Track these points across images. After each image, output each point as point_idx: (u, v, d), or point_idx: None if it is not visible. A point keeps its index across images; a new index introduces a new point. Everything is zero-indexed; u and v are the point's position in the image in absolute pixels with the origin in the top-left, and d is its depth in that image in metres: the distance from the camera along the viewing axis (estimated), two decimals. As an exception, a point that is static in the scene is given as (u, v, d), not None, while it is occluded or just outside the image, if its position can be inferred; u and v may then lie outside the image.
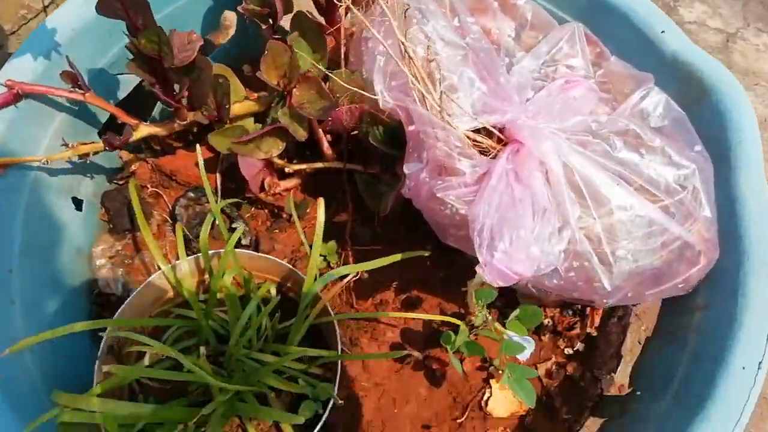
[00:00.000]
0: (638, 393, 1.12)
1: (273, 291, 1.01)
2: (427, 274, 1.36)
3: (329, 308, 0.98)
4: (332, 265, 1.33)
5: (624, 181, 0.92)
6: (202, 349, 0.85)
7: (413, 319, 1.32)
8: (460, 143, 0.92)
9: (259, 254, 1.00)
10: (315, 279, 0.92)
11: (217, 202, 1.34)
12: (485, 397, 1.23)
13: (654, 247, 0.91)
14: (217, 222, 1.02)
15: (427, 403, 1.24)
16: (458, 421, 1.22)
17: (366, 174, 1.31)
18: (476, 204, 0.90)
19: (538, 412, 1.23)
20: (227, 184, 1.41)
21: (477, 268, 0.85)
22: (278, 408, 0.95)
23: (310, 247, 1.07)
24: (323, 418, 0.89)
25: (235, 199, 1.36)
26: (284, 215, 1.39)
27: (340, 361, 0.93)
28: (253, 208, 1.40)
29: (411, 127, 0.97)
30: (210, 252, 1.01)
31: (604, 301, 1.00)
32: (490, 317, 1.10)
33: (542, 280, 0.99)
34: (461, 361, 1.28)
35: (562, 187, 0.90)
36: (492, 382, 1.24)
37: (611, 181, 0.90)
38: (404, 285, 1.35)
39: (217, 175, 1.37)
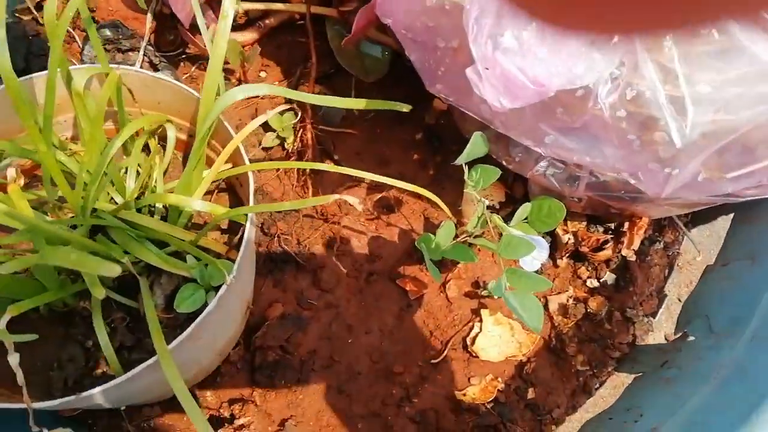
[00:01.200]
0: (692, 338, 0.78)
1: (172, 133, 0.68)
2: (411, 170, 1.02)
3: (242, 151, 0.65)
4: (286, 146, 1.00)
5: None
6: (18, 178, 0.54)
7: (386, 225, 0.99)
8: None
9: (159, 77, 0.67)
10: (216, 94, 0.59)
11: (142, 50, 1.01)
12: (473, 333, 0.91)
13: (762, 95, 0.55)
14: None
15: (393, 336, 0.92)
16: (433, 362, 0.90)
17: (340, 23, 0.97)
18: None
19: (542, 358, 0.90)
20: (165, 35, 1.08)
21: (469, 73, 0.51)
22: (155, 297, 0.63)
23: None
24: (206, 311, 0.57)
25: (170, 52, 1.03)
26: (233, 79, 1.06)
27: (248, 224, 0.61)
28: (194, 68, 1.07)
29: None
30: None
31: (660, 188, 0.65)
32: (488, 212, 0.76)
33: (571, 142, 0.64)
34: (445, 284, 0.95)
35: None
36: (484, 313, 0.91)
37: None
38: (380, 182, 1.01)
39: (148, 15, 1.04)
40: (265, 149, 1.00)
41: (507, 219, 0.82)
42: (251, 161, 1.00)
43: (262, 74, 1.07)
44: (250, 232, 0.61)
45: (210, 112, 0.58)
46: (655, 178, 0.65)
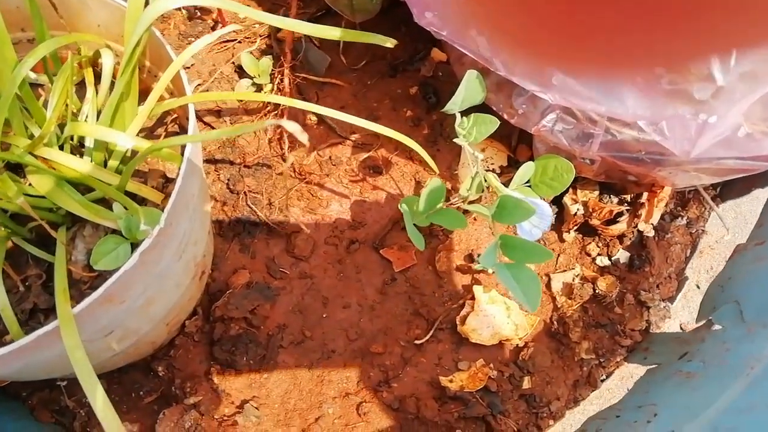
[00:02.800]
0: (718, 327, 0.66)
1: (109, 60, 0.57)
2: (403, 128, 0.91)
3: (184, 80, 0.54)
4: (265, 93, 0.89)
5: None
6: None
7: (372, 188, 0.88)
8: None
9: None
10: (144, 5, 0.48)
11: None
12: (463, 312, 0.80)
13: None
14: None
15: (374, 312, 0.81)
16: (417, 342, 0.79)
17: (325, -45, 0.85)
18: None
19: (541, 344, 0.79)
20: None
21: None
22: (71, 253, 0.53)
23: None
24: (123, 268, 0.46)
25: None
26: (208, 19, 0.95)
27: (184, 162, 0.50)
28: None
29: None
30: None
31: (689, 143, 0.54)
32: (482, 169, 0.64)
33: (583, 85, 0.53)
34: (434, 257, 0.83)
35: None
36: (476, 290, 0.80)
37: None
38: (368, 139, 0.90)
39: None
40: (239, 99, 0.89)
41: (508, 185, 0.70)
42: (224, 111, 0.89)
43: (241, 16, 0.96)
44: (187, 170, 0.50)
45: (137, 23, 0.47)
46: (685, 129, 0.53)
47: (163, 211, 0.49)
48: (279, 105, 0.86)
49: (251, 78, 0.88)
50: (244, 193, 0.82)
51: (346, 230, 0.86)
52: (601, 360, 0.76)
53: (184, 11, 0.95)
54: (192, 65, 0.92)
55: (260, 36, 0.94)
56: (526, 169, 0.66)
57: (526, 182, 0.69)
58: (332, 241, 0.85)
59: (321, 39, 0.96)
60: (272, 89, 0.89)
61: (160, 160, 0.63)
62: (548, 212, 0.62)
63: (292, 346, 0.80)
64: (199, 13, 0.95)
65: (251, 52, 0.89)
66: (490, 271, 0.80)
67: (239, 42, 0.94)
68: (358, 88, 0.94)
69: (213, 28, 0.95)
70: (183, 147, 0.54)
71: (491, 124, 0.63)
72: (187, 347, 0.77)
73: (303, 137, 0.38)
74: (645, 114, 0.53)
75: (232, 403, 0.75)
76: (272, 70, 0.89)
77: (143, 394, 0.75)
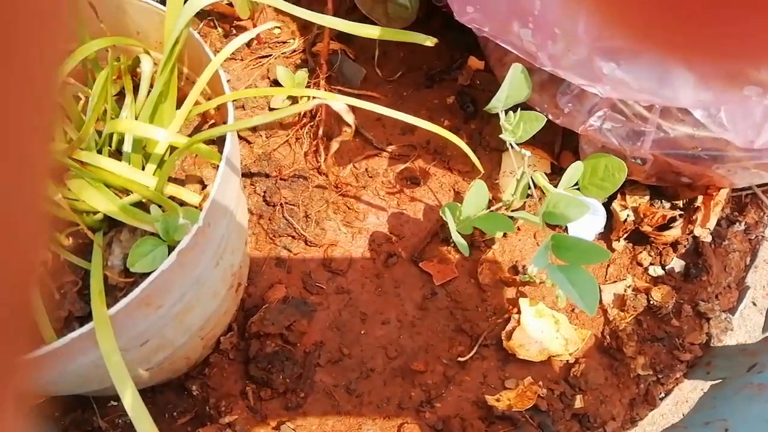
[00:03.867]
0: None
1: (148, 66, 0.56)
2: (440, 138, 0.88)
3: (222, 79, 0.52)
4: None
5: None
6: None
7: (410, 200, 0.85)
8: None
9: None
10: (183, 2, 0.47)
11: None
12: (509, 327, 0.76)
13: None
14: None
15: (414, 328, 0.78)
16: (461, 360, 0.75)
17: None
18: None
19: (593, 360, 0.74)
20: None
21: None
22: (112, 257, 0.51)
23: None
24: (161, 267, 0.44)
25: None
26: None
27: (223, 161, 0.48)
28: (202, 24, 0.96)
29: None
30: None
31: (753, 131, 0.50)
32: (530, 170, 0.61)
33: (635, 74, 0.50)
34: (477, 269, 0.80)
35: None
36: (522, 303, 0.76)
37: None
38: (405, 150, 0.88)
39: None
40: (274, 110, 0.88)
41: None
42: (260, 125, 0.88)
43: (276, 31, 0.96)
44: (226, 170, 0.49)
45: (177, 19, 0.46)
46: (749, 115, 0.50)
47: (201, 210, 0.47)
48: (315, 117, 0.85)
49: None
50: (281, 204, 0.80)
51: (384, 243, 0.83)
52: (660, 376, 0.71)
53: (220, 29, 0.95)
54: (228, 81, 0.92)
55: (294, 50, 0.94)
56: (575, 170, 0.63)
57: (574, 185, 0.65)
58: (369, 254, 0.82)
59: (356, 52, 0.95)
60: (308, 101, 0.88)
61: (197, 166, 0.61)
62: (602, 211, 0.58)
63: (329, 364, 0.77)
64: (235, 31, 0.95)
65: (286, 66, 0.89)
66: (537, 281, 0.76)
67: (275, 58, 0.94)
68: (394, 99, 0.92)
69: (248, 45, 0.95)
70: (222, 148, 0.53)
71: (538, 121, 0.60)
72: (222, 365, 0.74)
73: (349, 117, 0.36)
74: (705, 98, 0.50)
75: (268, 424, 0.72)
76: (308, 83, 0.88)
77: (177, 415, 0.72)
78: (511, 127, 0.59)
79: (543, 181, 0.61)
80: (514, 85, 0.59)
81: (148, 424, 0.42)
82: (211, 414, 0.71)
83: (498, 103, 0.61)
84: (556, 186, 0.68)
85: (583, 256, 0.53)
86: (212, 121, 0.64)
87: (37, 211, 0.15)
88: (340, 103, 0.36)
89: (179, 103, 0.59)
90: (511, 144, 0.63)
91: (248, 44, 0.95)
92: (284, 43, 0.96)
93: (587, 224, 0.58)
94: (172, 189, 0.54)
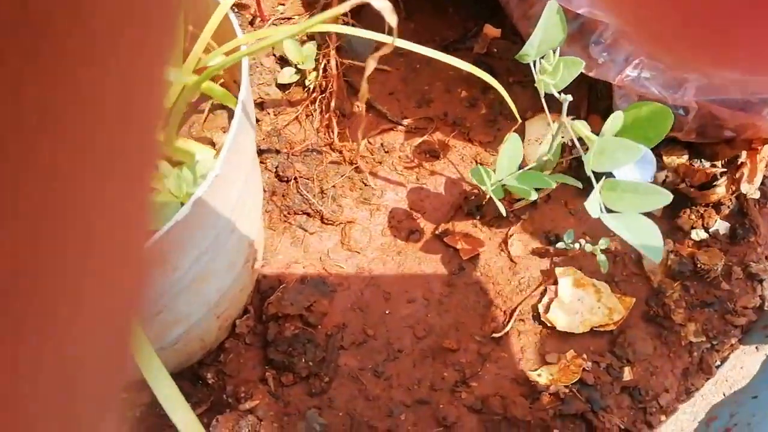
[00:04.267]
0: None
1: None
2: (458, 110, 0.84)
3: (231, 20, 0.48)
4: (307, 83, 0.83)
5: None
6: None
7: (430, 173, 0.80)
8: None
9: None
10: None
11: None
12: (545, 300, 0.70)
13: None
14: None
15: (442, 306, 0.73)
16: (495, 336, 0.70)
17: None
18: None
19: (640, 329, 0.69)
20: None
21: None
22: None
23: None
24: (175, 219, 0.39)
25: None
26: (246, 14, 0.91)
27: (240, 103, 0.43)
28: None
29: None
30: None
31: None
32: (569, 120, 0.57)
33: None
34: (506, 240, 0.75)
35: None
36: (559, 273, 0.71)
37: None
38: (421, 123, 0.84)
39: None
40: (282, 87, 0.84)
41: (580, 163, 0.62)
42: (267, 102, 0.83)
43: (280, 8, 0.92)
44: (241, 118, 0.44)
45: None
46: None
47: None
48: (324, 92, 0.80)
49: (294, 66, 0.83)
50: (295, 179, 0.75)
51: (405, 220, 0.78)
52: (714, 343, 0.66)
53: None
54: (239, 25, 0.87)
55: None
56: (615, 120, 0.58)
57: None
58: (390, 231, 0.77)
59: (365, 25, 0.91)
60: (316, 77, 0.83)
61: (207, 130, 0.57)
62: (650, 157, 0.53)
63: (353, 346, 0.71)
64: (236, 9, 0.91)
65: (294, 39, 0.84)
66: (575, 248, 0.71)
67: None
68: (406, 72, 0.88)
69: (251, 23, 0.91)
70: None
71: (576, 66, 0.56)
72: (239, 351, 0.69)
73: (392, 18, 0.31)
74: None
75: (292, 411, 0.66)
76: (316, 55, 0.83)
77: (192, 406, 0.67)
78: (550, 69, 0.54)
79: (584, 130, 0.56)
80: (549, 28, 0.55)
81: (185, 412, 0.37)
82: (229, 402, 0.65)
83: (531, 48, 0.56)
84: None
85: (640, 200, 0.48)
86: (221, 80, 0.59)
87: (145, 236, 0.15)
88: (382, 1, 0.31)
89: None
90: (546, 93, 0.58)
91: (251, 23, 0.91)
92: (289, 19, 0.91)
93: (637, 172, 0.53)
94: (182, 144, 0.49)
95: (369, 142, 0.83)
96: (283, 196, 0.76)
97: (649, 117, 0.58)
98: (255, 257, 0.64)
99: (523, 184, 0.61)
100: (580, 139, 0.57)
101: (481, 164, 0.81)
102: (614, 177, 0.58)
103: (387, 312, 0.73)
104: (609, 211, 0.51)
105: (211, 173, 0.42)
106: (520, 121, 0.71)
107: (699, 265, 0.69)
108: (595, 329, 0.69)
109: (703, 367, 0.65)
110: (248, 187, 0.52)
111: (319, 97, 0.82)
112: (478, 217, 0.77)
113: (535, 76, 0.57)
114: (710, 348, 0.66)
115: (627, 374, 0.66)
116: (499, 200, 0.69)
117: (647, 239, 0.46)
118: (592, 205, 0.49)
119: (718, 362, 0.66)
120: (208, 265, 0.49)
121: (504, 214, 0.65)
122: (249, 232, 0.57)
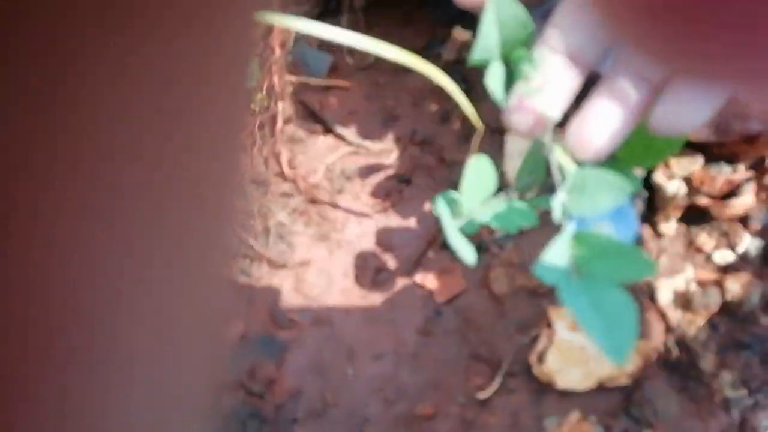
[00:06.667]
0: None
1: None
2: (428, 126, 0.73)
3: None
4: (252, 105, 0.72)
5: None
6: None
7: (399, 201, 0.68)
8: None
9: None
10: None
11: None
12: (539, 347, 0.57)
13: None
14: None
15: (417, 361, 0.60)
16: (481, 397, 0.57)
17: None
18: None
19: (660, 381, 0.55)
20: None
21: None
22: None
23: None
24: None
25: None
26: None
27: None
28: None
29: None
30: None
31: None
32: (552, 135, 0.44)
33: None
34: (487, 276, 0.62)
35: None
36: (553, 314, 0.58)
37: None
38: (387, 143, 0.72)
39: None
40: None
41: None
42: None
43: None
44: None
45: None
46: None
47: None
48: (270, 107, 0.70)
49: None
50: (230, 216, 0.64)
51: (370, 257, 0.66)
52: (757, 396, 0.52)
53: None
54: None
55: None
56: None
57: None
58: (353, 273, 0.65)
59: (320, 36, 0.81)
60: (263, 97, 0.72)
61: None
62: (632, 214, 0.41)
63: (310, 418, 0.58)
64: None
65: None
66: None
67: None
68: (369, 89, 0.77)
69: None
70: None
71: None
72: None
73: None
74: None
75: (229, 507, 0.53)
76: (260, 72, 0.73)
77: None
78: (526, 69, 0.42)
79: (562, 156, 0.44)
80: (504, 17, 0.43)
81: None
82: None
83: (482, 52, 0.44)
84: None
85: (618, 265, 0.35)
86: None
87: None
88: None
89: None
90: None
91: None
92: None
93: (612, 228, 0.41)
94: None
95: (327, 169, 0.71)
96: (219, 238, 0.64)
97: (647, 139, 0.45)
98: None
99: (504, 219, 0.48)
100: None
101: (456, 186, 0.69)
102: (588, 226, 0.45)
103: (351, 373, 0.60)
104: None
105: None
106: (482, 126, 0.59)
107: (728, 298, 0.55)
108: (603, 383, 0.55)
109: (746, 430, 0.51)
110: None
111: (266, 115, 0.71)
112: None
113: (490, 87, 0.44)
114: (754, 405, 0.52)
115: (648, 441, 0.52)
116: (475, 234, 0.57)
117: (615, 326, 0.33)
118: (545, 269, 0.36)
119: (766, 422, 0.52)
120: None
121: (472, 264, 0.52)
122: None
